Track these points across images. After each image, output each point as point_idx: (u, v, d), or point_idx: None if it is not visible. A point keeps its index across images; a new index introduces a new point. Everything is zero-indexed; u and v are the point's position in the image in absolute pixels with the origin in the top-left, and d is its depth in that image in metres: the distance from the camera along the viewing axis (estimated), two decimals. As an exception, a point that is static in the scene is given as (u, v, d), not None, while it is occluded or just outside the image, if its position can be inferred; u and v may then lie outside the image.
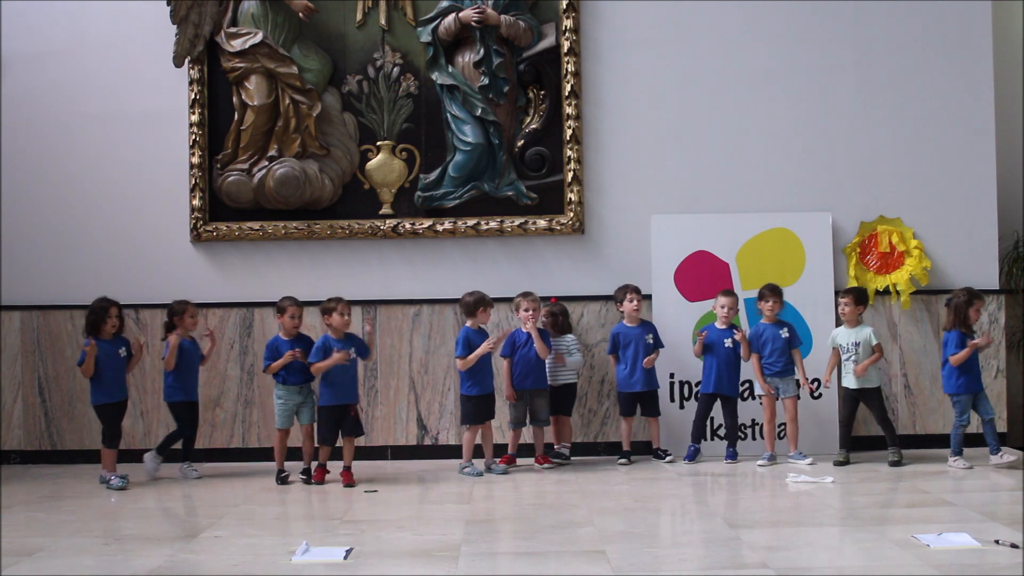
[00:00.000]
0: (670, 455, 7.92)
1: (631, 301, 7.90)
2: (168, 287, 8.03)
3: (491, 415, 7.71)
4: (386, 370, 8.26)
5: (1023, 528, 5.51)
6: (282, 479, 7.36)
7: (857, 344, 7.66)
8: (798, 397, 7.83)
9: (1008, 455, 7.44)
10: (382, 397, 8.26)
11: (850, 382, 7.69)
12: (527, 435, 7.91)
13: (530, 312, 7.71)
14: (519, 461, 7.81)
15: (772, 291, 7.88)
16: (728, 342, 7.82)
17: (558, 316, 7.98)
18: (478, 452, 7.68)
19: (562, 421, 7.97)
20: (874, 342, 7.68)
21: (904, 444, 7.77)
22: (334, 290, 7.77)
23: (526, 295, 7.81)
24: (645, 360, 7.80)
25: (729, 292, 7.96)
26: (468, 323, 7.68)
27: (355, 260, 8.33)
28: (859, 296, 7.84)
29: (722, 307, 7.88)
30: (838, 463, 7.60)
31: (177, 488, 7.30)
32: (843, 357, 7.72)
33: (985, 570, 4.86)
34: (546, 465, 7.79)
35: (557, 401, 7.93)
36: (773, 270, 8.17)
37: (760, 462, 7.69)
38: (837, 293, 8.08)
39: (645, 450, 8.02)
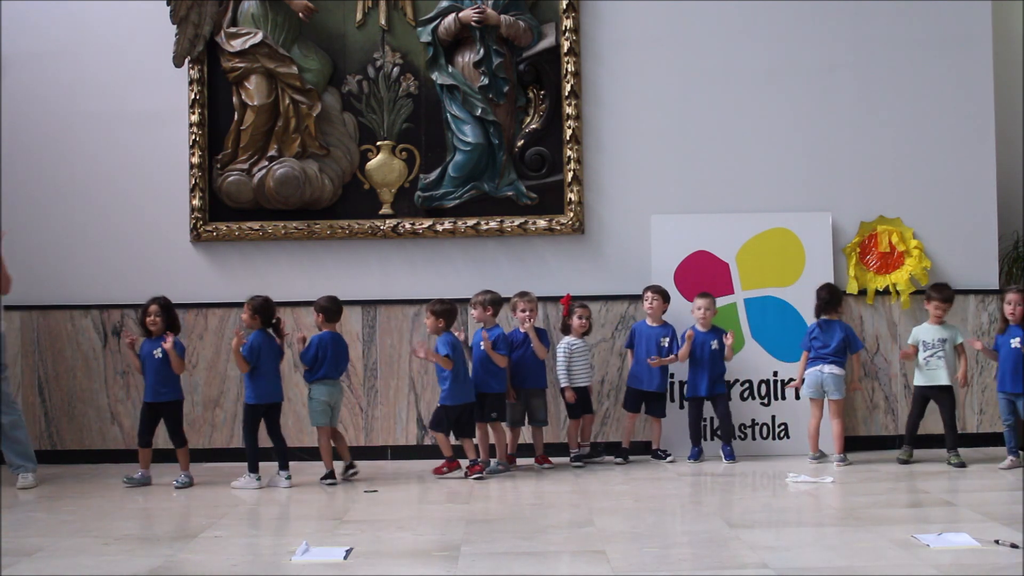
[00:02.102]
0: (671, 455, 7.91)
1: (647, 300, 7.91)
2: (168, 287, 8.00)
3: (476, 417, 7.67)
4: (386, 370, 8.26)
5: (1023, 528, 5.51)
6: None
7: (944, 341, 7.60)
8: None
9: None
10: (382, 397, 8.27)
11: (923, 379, 7.61)
12: (526, 435, 7.92)
13: (527, 312, 7.71)
14: (518, 461, 7.81)
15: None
16: (714, 344, 7.82)
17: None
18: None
19: (584, 420, 7.95)
20: (959, 340, 7.64)
21: (904, 444, 7.76)
22: (333, 290, 7.76)
23: (523, 295, 7.81)
24: (650, 359, 7.79)
25: (705, 295, 7.92)
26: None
27: (355, 260, 8.33)
28: (950, 295, 7.75)
29: (699, 309, 7.86)
30: (902, 460, 7.54)
31: (177, 488, 7.30)
32: (925, 354, 7.60)
33: (985, 570, 4.86)
34: (546, 465, 7.79)
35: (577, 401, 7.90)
36: (773, 270, 8.17)
37: (837, 462, 7.55)
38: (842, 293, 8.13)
39: (645, 450, 8.02)
